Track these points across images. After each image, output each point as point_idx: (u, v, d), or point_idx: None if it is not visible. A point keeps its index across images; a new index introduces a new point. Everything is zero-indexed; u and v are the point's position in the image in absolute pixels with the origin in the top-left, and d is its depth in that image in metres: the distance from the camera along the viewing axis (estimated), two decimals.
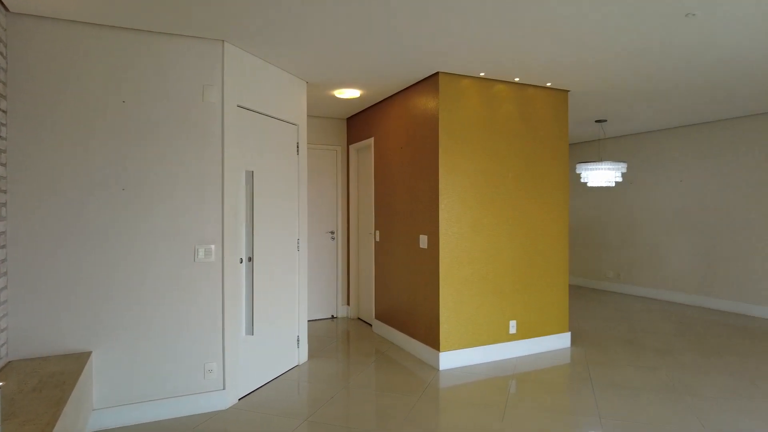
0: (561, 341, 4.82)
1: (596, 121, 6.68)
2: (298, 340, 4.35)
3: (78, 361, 2.86)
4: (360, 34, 3.31)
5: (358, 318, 6.13)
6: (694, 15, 3.02)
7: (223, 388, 3.42)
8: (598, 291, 8.09)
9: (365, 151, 5.89)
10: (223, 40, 3.41)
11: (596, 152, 8.45)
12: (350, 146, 6.12)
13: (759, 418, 3.21)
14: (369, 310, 5.80)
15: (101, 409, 3.08)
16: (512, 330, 4.53)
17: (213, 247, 3.37)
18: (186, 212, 3.30)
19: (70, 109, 3.01)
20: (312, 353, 4.71)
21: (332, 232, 6.15)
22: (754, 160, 6.24)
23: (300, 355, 4.39)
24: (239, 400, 3.58)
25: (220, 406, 3.41)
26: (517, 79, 4.46)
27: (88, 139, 3.05)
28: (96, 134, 3.07)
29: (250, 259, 3.72)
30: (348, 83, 4.57)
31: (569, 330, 4.94)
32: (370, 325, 5.74)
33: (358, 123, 5.90)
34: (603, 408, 3.39)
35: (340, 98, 5.12)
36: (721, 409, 3.36)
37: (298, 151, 4.36)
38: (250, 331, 3.71)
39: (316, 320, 6.05)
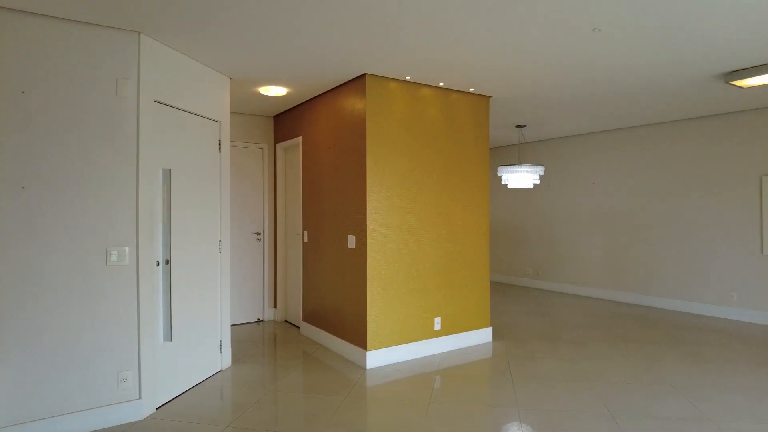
0: (483, 336, 5.01)
1: (516, 126, 7.02)
2: (220, 345, 4.21)
3: None
4: (284, 32, 3.26)
5: (286, 320, 6.03)
6: (599, 30, 3.26)
7: (139, 398, 3.24)
8: (519, 287, 8.50)
9: (293, 150, 5.81)
10: (139, 32, 3.23)
11: (516, 156, 8.87)
12: (277, 145, 6.01)
13: (654, 398, 3.52)
14: (296, 312, 5.72)
15: (2, 429, 2.81)
16: (437, 327, 4.65)
17: (127, 249, 3.18)
18: (96, 213, 3.09)
19: None
20: (236, 358, 4.57)
21: (258, 233, 6.00)
22: (654, 164, 6.82)
23: (223, 360, 4.25)
24: (157, 409, 3.40)
25: (136, 416, 3.22)
26: (441, 84, 4.59)
27: None
28: None
29: (167, 262, 3.55)
30: (274, 81, 4.48)
31: (491, 325, 5.16)
32: (298, 328, 5.66)
33: (285, 121, 5.80)
34: (521, 399, 3.56)
35: (266, 96, 5.01)
36: (625, 393, 3.64)
37: (220, 149, 4.22)
38: (169, 336, 3.54)
39: (241, 324, 5.88)
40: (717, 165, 6.17)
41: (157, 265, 3.45)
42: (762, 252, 5.75)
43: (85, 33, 3.06)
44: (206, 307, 4.02)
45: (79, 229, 3.04)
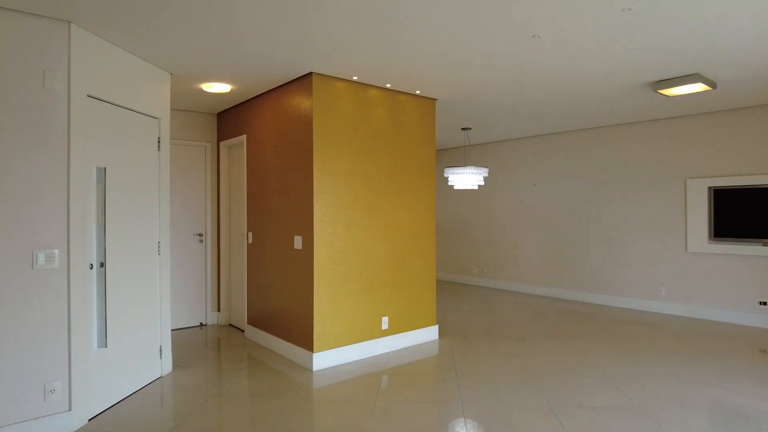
0: (430, 334, 5.09)
1: (462, 129, 7.17)
2: (160, 350, 4.05)
3: None
4: (227, 28, 3.18)
5: (230, 324, 5.88)
6: (539, 37, 3.39)
7: (69, 409, 3.06)
8: (465, 285, 8.69)
9: (237, 148, 5.67)
10: (69, 21, 3.05)
11: (462, 157, 9.07)
12: (221, 143, 5.85)
13: (589, 390, 3.70)
14: (241, 316, 5.59)
15: None
16: (384, 326, 4.68)
17: (56, 252, 3.00)
18: (21, 213, 2.89)
19: None
20: (178, 363, 4.41)
21: (201, 234, 5.82)
22: (589, 167, 7.17)
23: (163, 366, 4.08)
24: (90, 420, 3.23)
25: (66, 429, 3.04)
26: (388, 85, 4.62)
27: None
28: None
29: (102, 265, 3.37)
30: (217, 77, 4.36)
31: (437, 323, 5.24)
32: (243, 331, 5.53)
33: (229, 119, 5.66)
34: (465, 395, 3.64)
35: (209, 92, 4.87)
36: (563, 386, 3.81)
37: (159, 146, 4.06)
38: (103, 343, 3.36)
39: (182, 329, 5.68)
40: (646, 168, 6.56)
41: (91, 268, 3.28)
42: (686, 249, 6.17)
43: (8, 20, 2.86)
44: (145, 312, 3.85)
45: (1, 232, 2.83)
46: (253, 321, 5.18)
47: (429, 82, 4.54)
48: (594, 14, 3.01)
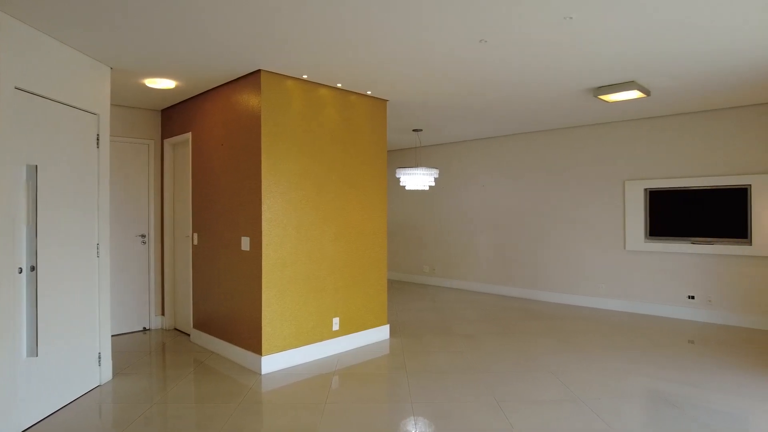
0: (381, 334, 5.11)
1: (413, 131, 7.24)
2: (99, 358, 3.86)
3: None
4: (171, 22, 3.07)
5: (175, 328, 5.68)
6: (486, 41, 3.47)
7: None
8: (417, 285, 8.79)
9: (182, 146, 5.49)
10: None
11: (414, 158, 9.17)
12: (165, 141, 5.64)
13: (535, 384, 3.82)
14: (187, 319, 5.41)
15: None
16: (335, 327, 4.66)
17: None
18: None
19: None
20: (119, 370, 4.21)
21: (143, 236, 5.59)
22: (535, 169, 7.41)
23: (102, 373, 3.89)
24: None
25: None
26: (339, 85, 4.60)
27: None
28: None
29: (33, 269, 3.17)
30: (161, 73, 4.21)
31: (388, 323, 5.27)
32: (189, 335, 5.36)
33: (174, 116, 5.46)
34: (415, 393, 3.68)
35: (152, 88, 4.68)
36: (509, 381, 3.91)
37: (98, 143, 3.87)
38: (34, 351, 3.17)
39: (124, 334, 5.44)
40: (589, 170, 6.86)
41: (20, 272, 3.08)
42: (624, 248, 6.49)
43: None
44: (82, 317, 3.66)
45: None
46: (199, 325, 5.03)
47: (380, 83, 4.56)
48: (538, 21, 3.11)
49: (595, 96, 4.87)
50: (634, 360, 4.43)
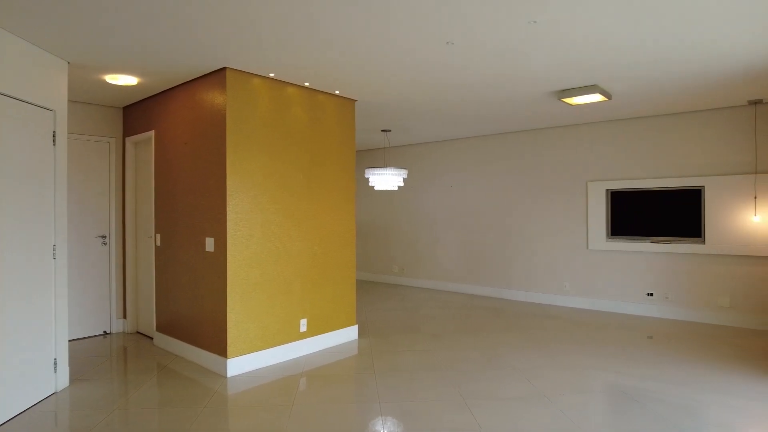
0: (349, 334, 5.09)
1: (382, 131, 7.25)
2: (55, 364, 3.71)
3: None
4: (130, 16, 2.98)
5: (138, 332, 5.52)
6: (452, 44, 3.50)
7: None
8: (386, 284, 8.80)
9: (145, 145, 5.34)
10: None
11: (382, 159, 9.18)
12: (127, 139, 5.48)
13: (501, 382, 3.88)
14: (149, 322, 5.26)
15: None
16: (303, 328, 4.62)
17: None
18: None
19: None
20: (77, 376, 4.06)
21: (104, 237, 5.41)
22: (502, 170, 7.54)
23: (59, 380, 3.75)
24: None
25: None
26: (307, 84, 4.57)
27: None
28: None
29: None
30: (122, 69, 4.08)
31: (357, 323, 5.26)
32: (152, 339, 5.22)
33: (136, 113, 5.31)
34: (383, 393, 3.68)
35: (113, 84, 4.54)
36: (476, 379, 3.96)
37: (55, 141, 3.72)
38: None
39: (83, 338, 5.25)
40: (554, 171, 7.01)
41: None
42: (587, 247, 6.66)
43: None
44: (36, 322, 3.51)
45: None
46: (162, 328, 4.90)
47: (348, 83, 4.54)
48: (503, 25, 3.16)
49: (559, 99, 4.99)
50: (597, 356, 4.55)
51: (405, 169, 6.98)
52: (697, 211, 5.82)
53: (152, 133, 5.00)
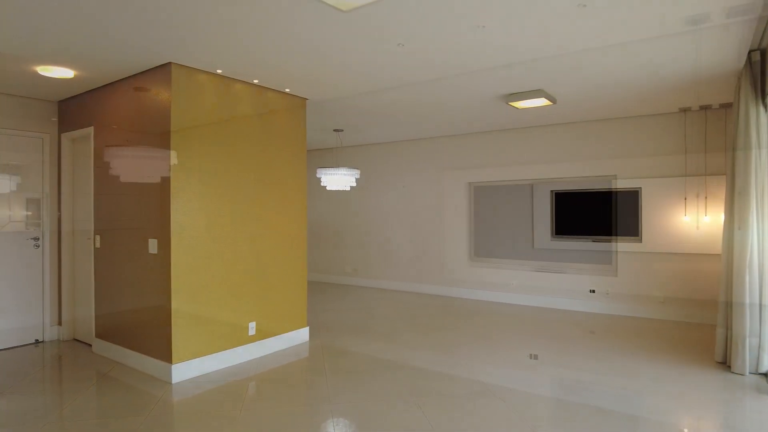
0: (300, 336, 5.03)
1: (335, 130, 7.21)
2: None
3: None
4: (67, 4, 2.82)
5: (75, 339, 5.22)
6: (403, 45, 3.52)
7: None
8: (339, 285, 8.76)
9: (83, 141, 5.06)
10: None
11: (334, 159, 9.13)
12: (63, 135, 5.17)
13: (451, 379, 3.94)
14: (88, 328, 4.99)
15: None
16: (252, 332, 4.52)
17: None
18: None
19: None
20: (3, 389, 3.79)
21: (36, 239, 5.09)
22: (455, 171, 7.67)
23: None
24: None
25: None
26: (256, 81, 4.47)
27: None
28: None
29: None
30: (56, 61, 3.85)
31: (308, 325, 5.20)
32: (90, 346, 4.95)
33: (74, 108, 5.03)
34: (334, 395, 3.65)
35: (47, 77, 4.27)
36: (427, 377, 4.00)
37: None
38: None
39: (11, 348, 4.91)
40: (502, 173, 7.19)
41: None
42: (533, 246, 6.88)
43: None
44: None
45: None
46: (102, 334, 4.66)
47: (298, 81, 4.48)
48: (452, 29, 3.21)
49: (507, 102, 5.12)
50: (544, 350, 4.71)
51: (357, 169, 6.97)
52: (635, 211, 6.13)
53: (92, 129, 4.74)
